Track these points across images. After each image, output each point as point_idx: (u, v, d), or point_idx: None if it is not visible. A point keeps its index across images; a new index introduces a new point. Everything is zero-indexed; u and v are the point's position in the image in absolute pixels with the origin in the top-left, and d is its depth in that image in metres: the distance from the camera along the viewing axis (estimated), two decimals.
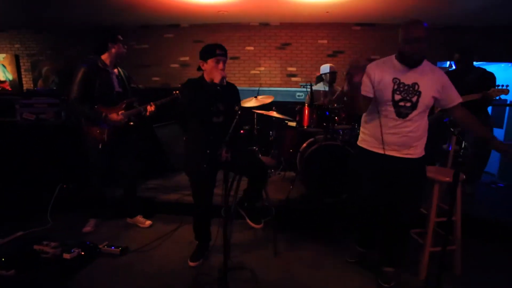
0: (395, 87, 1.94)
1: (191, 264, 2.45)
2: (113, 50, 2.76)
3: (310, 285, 2.27)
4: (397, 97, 1.94)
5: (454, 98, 1.99)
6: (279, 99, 4.68)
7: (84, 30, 6.14)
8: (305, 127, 3.37)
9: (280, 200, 3.25)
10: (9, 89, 6.11)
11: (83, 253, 2.50)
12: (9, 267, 2.28)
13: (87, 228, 2.94)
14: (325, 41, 5.88)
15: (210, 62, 2.27)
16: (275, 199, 3.25)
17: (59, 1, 4.75)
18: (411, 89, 1.93)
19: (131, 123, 2.86)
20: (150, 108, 2.78)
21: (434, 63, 5.37)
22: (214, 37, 6.14)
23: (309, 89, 3.52)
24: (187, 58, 6.23)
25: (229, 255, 2.55)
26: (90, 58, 2.75)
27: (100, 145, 2.74)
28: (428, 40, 1.85)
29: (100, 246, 2.61)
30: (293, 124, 3.74)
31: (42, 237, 2.68)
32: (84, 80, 2.65)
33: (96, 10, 5.15)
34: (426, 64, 1.97)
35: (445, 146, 3.63)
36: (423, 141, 2.06)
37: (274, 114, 3.71)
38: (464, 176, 2.33)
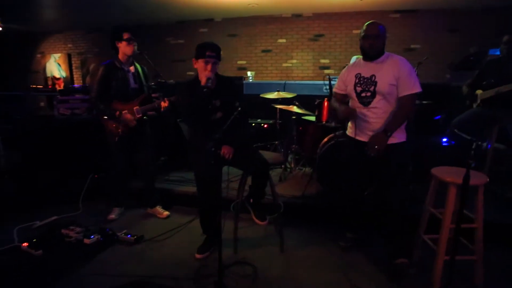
0: (357, 81, 2.27)
1: (197, 256, 2.51)
2: (120, 49, 2.91)
3: (309, 286, 2.21)
4: (359, 89, 2.26)
5: (405, 89, 2.15)
6: (307, 92, 4.56)
7: (125, 28, 6.49)
8: (324, 122, 3.25)
9: (295, 196, 3.20)
10: (62, 86, 6.74)
11: (102, 239, 2.71)
12: (38, 247, 2.54)
13: (111, 216, 3.16)
14: None
15: (200, 62, 2.28)
16: (290, 195, 3.20)
17: (101, 3, 5.10)
18: (369, 80, 2.22)
19: (145, 117, 2.99)
20: (164, 104, 2.83)
21: (486, 51, 4.80)
22: (246, 30, 6.15)
23: (333, 82, 3.36)
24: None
25: (237, 249, 2.60)
26: (110, 58, 2.94)
27: (116, 138, 2.91)
28: (383, 38, 2.19)
29: (118, 234, 2.79)
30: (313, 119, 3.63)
31: (72, 222, 2.95)
32: (102, 79, 2.85)
33: (134, 9, 5.44)
34: (386, 57, 2.23)
35: (484, 144, 3.27)
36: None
37: (294, 108, 3.63)
38: (488, 179, 2.08)
